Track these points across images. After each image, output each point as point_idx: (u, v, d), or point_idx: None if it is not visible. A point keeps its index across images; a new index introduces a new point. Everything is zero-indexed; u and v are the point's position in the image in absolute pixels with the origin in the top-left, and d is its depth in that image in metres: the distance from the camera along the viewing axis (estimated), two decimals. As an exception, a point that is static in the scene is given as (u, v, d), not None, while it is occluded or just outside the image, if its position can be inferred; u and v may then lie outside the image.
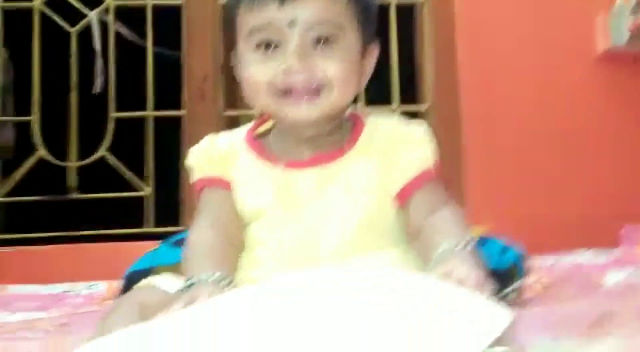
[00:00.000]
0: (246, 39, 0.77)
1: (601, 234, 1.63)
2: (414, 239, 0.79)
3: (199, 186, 0.85)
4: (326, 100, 0.77)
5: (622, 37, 1.84)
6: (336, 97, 0.77)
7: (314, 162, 0.81)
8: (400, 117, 0.89)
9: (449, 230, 0.75)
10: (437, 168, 0.84)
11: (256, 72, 0.77)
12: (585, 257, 1.55)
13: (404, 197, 0.80)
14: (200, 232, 0.80)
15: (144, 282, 0.83)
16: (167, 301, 0.67)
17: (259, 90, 0.77)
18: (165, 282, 0.82)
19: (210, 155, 0.85)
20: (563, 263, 1.51)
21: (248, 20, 0.77)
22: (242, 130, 0.88)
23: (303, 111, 0.76)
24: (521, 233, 1.53)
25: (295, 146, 0.82)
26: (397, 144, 0.82)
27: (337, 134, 0.83)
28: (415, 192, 0.80)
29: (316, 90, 0.76)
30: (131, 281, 0.92)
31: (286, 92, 0.76)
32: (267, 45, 0.76)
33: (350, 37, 0.78)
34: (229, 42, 0.85)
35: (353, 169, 0.80)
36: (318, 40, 0.76)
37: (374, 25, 0.84)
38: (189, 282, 0.72)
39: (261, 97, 0.78)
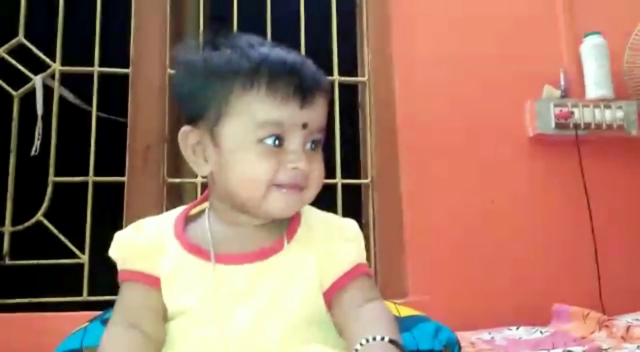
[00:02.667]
0: (255, 128, 0.76)
1: (532, 312, 1.68)
2: (342, 331, 0.80)
3: (121, 277, 0.82)
4: (306, 197, 0.81)
5: (549, 124, 1.96)
6: (311, 195, 0.81)
7: (252, 257, 0.79)
8: (331, 213, 0.91)
9: (372, 323, 0.76)
10: (366, 266, 0.85)
11: (263, 165, 0.76)
12: (518, 334, 1.58)
13: (335, 290, 0.81)
14: (113, 331, 0.77)
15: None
16: None
17: (257, 183, 0.77)
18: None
19: (134, 247, 0.82)
20: (499, 338, 1.53)
21: (262, 112, 0.76)
22: (171, 216, 0.86)
23: (289, 203, 0.78)
24: (456, 308, 1.58)
25: (233, 236, 0.81)
26: (332, 238, 0.84)
27: (275, 223, 0.83)
28: (346, 285, 0.81)
29: (303, 188, 0.80)
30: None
31: (281, 186, 0.77)
32: (277, 140, 0.77)
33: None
34: (177, 113, 0.84)
35: (293, 262, 0.80)
36: (312, 143, 0.80)
37: None
38: None
39: (254, 189, 0.77)
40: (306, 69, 0.80)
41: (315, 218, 0.86)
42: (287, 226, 0.83)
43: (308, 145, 0.80)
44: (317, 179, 0.80)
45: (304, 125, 0.78)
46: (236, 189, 0.78)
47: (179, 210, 0.87)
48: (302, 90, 0.77)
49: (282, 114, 0.77)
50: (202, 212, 0.87)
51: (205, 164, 0.81)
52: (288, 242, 0.81)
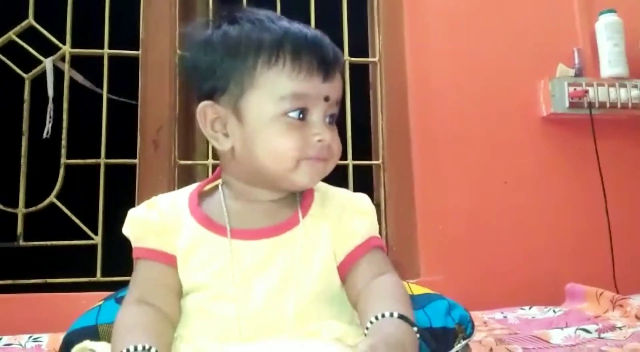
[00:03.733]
0: (279, 101, 0.77)
1: (545, 292, 1.67)
2: (355, 304, 0.80)
3: (135, 254, 0.82)
4: (328, 168, 0.82)
5: (563, 103, 1.93)
6: (332, 166, 0.82)
7: (267, 233, 0.79)
8: (343, 189, 0.91)
9: (383, 298, 0.76)
10: (380, 238, 0.85)
11: (289, 138, 0.77)
12: (531, 313, 1.57)
13: (348, 263, 0.81)
14: (128, 309, 0.77)
15: (79, 346, 0.80)
16: None
17: (286, 157, 0.77)
18: (101, 346, 0.80)
19: (148, 225, 0.82)
20: (511, 318, 1.53)
21: (285, 85, 0.77)
22: (185, 193, 0.85)
23: (316, 174, 0.80)
24: (468, 288, 1.57)
25: (249, 212, 0.81)
26: (345, 212, 0.84)
27: (289, 198, 0.83)
28: (359, 259, 0.81)
29: (327, 159, 0.81)
30: (72, 340, 0.90)
31: (309, 159, 0.78)
32: (301, 112, 0.78)
33: None
34: (188, 95, 0.83)
35: (308, 237, 0.80)
36: (330, 117, 0.81)
37: None
38: None
39: (284, 161, 0.77)
40: (327, 44, 0.81)
41: (328, 193, 0.86)
42: (301, 200, 0.83)
43: (327, 119, 0.81)
44: (337, 150, 0.81)
45: (326, 99, 0.79)
46: (264, 162, 0.78)
47: (193, 187, 0.87)
48: (325, 64, 0.78)
49: (307, 88, 0.77)
50: (214, 189, 0.86)
51: (226, 139, 0.81)
52: (303, 216, 0.81)
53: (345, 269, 0.81)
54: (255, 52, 0.77)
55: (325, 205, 0.84)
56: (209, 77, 0.80)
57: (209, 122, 0.81)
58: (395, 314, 0.72)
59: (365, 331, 0.72)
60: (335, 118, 0.82)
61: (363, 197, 0.88)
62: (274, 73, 0.77)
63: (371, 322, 0.72)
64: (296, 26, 0.81)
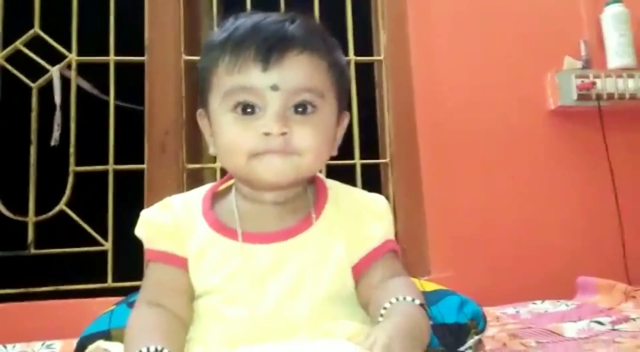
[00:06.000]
0: (223, 99, 0.76)
1: (556, 286, 1.66)
2: (366, 306, 0.79)
3: (147, 256, 0.82)
4: (300, 162, 0.76)
5: (571, 96, 1.92)
6: (307, 164, 0.76)
7: (278, 236, 0.78)
8: (358, 189, 0.90)
9: (399, 289, 0.76)
10: (395, 242, 0.84)
11: (235, 135, 0.75)
12: (544, 307, 1.56)
13: (362, 267, 0.80)
14: (140, 310, 0.77)
15: (93, 346, 0.80)
16: None
17: (235, 153, 0.75)
18: (115, 347, 0.80)
19: (160, 227, 0.81)
20: (524, 312, 1.52)
21: (226, 81, 0.75)
22: (199, 194, 0.85)
23: (276, 169, 0.74)
24: (480, 284, 1.57)
25: (261, 215, 0.80)
26: (361, 215, 0.82)
27: (301, 200, 0.82)
28: (373, 263, 0.80)
29: (291, 153, 0.75)
30: (86, 345, 0.90)
31: (258, 154, 0.75)
32: (245, 107, 0.75)
33: (329, 106, 0.79)
34: (195, 98, 0.85)
35: (321, 240, 0.79)
36: (298, 107, 0.76)
37: (348, 92, 0.85)
38: None
39: (236, 159, 0.76)
40: (273, 27, 0.76)
41: (342, 194, 0.85)
42: (314, 202, 0.82)
43: (292, 110, 0.76)
44: (308, 145, 0.75)
45: (274, 87, 0.74)
46: (223, 162, 0.79)
47: (207, 187, 0.87)
48: (264, 50, 0.74)
49: (245, 80, 0.74)
50: (228, 189, 0.86)
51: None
52: (316, 219, 0.80)
53: (358, 272, 0.80)
54: (211, 53, 0.78)
55: (340, 206, 0.83)
56: (199, 84, 0.83)
57: (205, 127, 0.83)
58: (417, 301, 0.73)
59: (383, 311, 0.72)
60: (309, 107, 0.76)
61: (379, 199, 0.86)
62: (219, 71, 0.77)
63: (390, 303, 0.72)
64: (255, 19, 0.77)
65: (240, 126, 0.75)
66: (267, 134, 0.73)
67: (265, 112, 0.74)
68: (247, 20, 0.78)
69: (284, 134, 0.74)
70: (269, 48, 0.74)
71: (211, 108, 0.79)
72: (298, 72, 0.75)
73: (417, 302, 0.73)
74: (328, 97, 0.78)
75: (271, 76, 0.74)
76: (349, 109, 1.86)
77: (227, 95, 0.75)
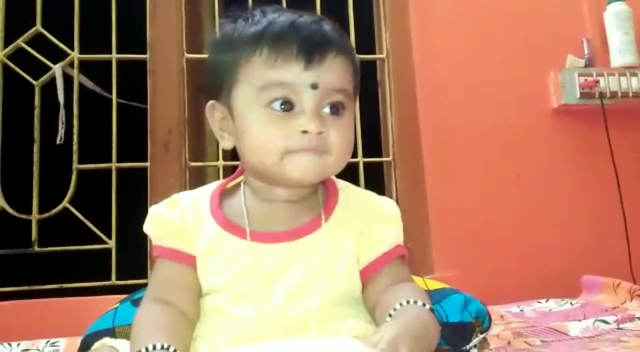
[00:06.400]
0: (257, 93, 0.74)
1: (561, 285, 1.66)
2: (372, 310, 0.79)
3: (155, 252, 0.82)
4: (329, 162, 0.76)
5: (574, 94, 1.92)
6: (335, 164, 0.77)
7: (287, 236, 0.78)
8: (369, 191, 0.89)
9: (407, 293, 0.76)
10: (404, 247, 0.84)
11: (270, 131, 0.74)
12: (548, 306, 1.56)
13: (370, 271, 0.80)
14: (147, 307, 0.77)
15: (98, 343, 0.80)
16: None
17: (269, 149, 0.74)
18: (121, 344, 0.80)
19: (168, 224, 0.81)
20: (528, 311, 1.52)
21: (262, 75, 0.74)
22: (207, 191, 0.85)
23: (307, 168, 0.74)
24: (484, 283, 1.56)
25: (270, 214, 0.80)
26: (371, 218, 0.82)
27: (312, 200, 0.82)
28: (382, 268, 0.80)
29: (323, 153, 0.76)
30: (90, 342, 0.90)
31: (293, 152, 0.74)
32: (283, 103, 0.74)
33: (353, 107, 0.80)
34: (198, 94, 0.83)
35: (330, 242, 0.79)
36: (332, 107, 0.76)
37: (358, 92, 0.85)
38: None
39: (268, 155, 0.75)
40: (314, 27, 0.76)
41: (353, 196, 0.84)
42: (324, 203, 0.82)
43: (326, 109, 0.76)
44: (340, 144, 0.76)
45: (313, 86, 0.74)
46: (251, 158, 0.78)
47: (215, 185, 0.86)
48: (307, 48, 0.74)
49: (285, 75, 0.74)
50: (237, 186, 0.85)
51: (229, 137, 0.81)
52: (325, 220, 0.79)
53: (366, 276, 0.80)
54: (239, 46, 0.77)
55: (350, 208, 0.82)
56: (212, 76, 0.81)
57: (216, 121, 0.81)
58: (427, 306, 0.73)
59: (392, 312, 0.72)
60: (342, 108, 0.78)
61: (390, 203, 0.87)
62: (254, 64, 0.75)
63: (401, 305, 0.72)
64: (287, 16, 0.77)
65: (276, 123, 0.74)
66: (304, 132, 0.74)
67: (302, 109, 0.74)
68: (279, 16, 0.77)
69: (320, 133, 0.74)
70: (312, 47, 0.74)
71: (237, 102, 0.77)
72: (334, 73, 0.76)
73: (427, 307, 0.73)
74: (352, 98, 0.80)
75: (312, 75, 0.74)
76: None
77: (263, 90, 0.74)
